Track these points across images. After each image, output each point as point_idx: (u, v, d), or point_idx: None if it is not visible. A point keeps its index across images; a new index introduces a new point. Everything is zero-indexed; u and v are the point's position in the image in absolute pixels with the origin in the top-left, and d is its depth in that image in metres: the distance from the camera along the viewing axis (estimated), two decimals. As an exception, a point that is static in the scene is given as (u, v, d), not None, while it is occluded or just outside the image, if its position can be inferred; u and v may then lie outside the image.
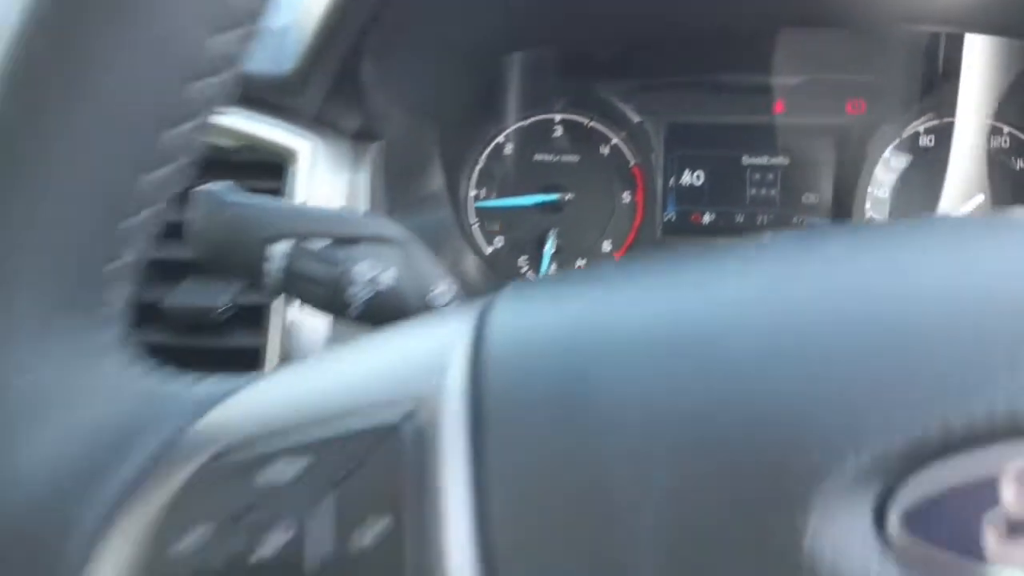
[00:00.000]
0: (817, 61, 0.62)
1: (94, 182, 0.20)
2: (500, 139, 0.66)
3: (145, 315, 0.44)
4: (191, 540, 0.19)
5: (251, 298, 0.44)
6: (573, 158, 0.65)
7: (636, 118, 0.64)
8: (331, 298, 0.32)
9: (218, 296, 0.46)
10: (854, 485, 0.16)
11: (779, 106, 0.64)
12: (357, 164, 0.49)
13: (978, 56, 0.62)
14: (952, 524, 0.16)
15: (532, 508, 0.17)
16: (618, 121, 0.65)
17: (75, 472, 0.21)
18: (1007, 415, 0.15)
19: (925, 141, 0.62)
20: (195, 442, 0.21)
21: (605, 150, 0.65)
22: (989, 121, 0.62)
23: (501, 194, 0.66)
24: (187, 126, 0.21)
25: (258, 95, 0.45)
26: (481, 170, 0.66)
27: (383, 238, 0.33)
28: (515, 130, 0.65)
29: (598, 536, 0.17)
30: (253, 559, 0.18)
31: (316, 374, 0.22)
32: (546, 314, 0.21)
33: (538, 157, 0.65)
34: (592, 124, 0.65)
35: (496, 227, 0.66)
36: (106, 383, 0.22)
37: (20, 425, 0.20)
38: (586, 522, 0.17)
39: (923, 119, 0.62)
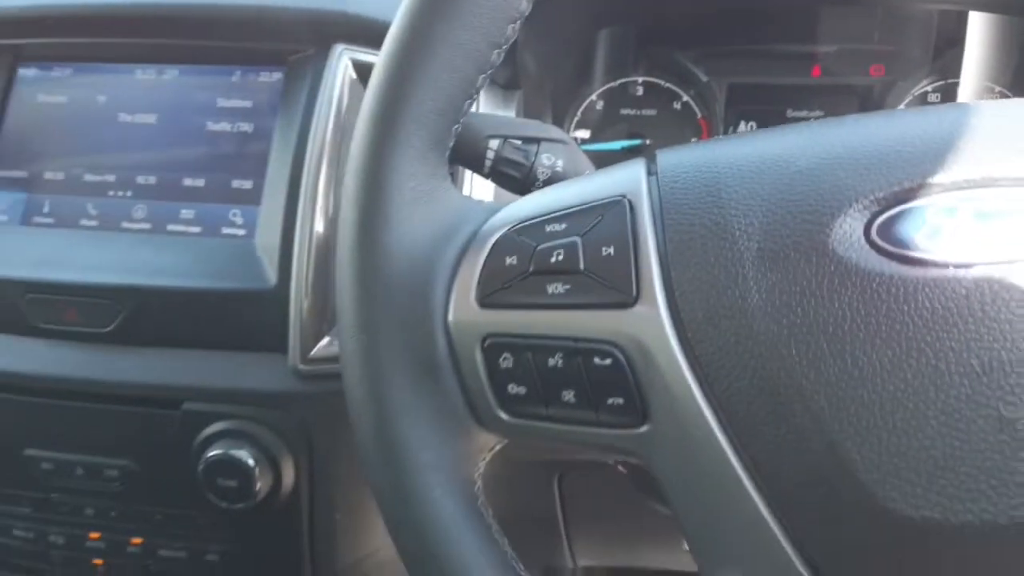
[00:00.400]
0: (848, 33, 0.79)
1: (455, 82, 0.39)
2: (593, 97, 0.83)
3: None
4: (506, 268, 0.37)
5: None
6: (652, 112, 0.83)
7: (704, 78, 0.81)
8: (523, 178, 0.50)
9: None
10: (859, 211, 0.33)
11: (816, 70, 0.81)
12: (505, 108, 0.67)
13: (979, 29, 0.78)
14: (902, 234, 0.33)
15: (687, 238, 0.35)
16: (688, 81, 0.82)
17: (432, 245, 0.38)
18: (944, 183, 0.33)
19: (933, 98, 0.78)
20: (494, 226, 0.39)
21: (677, 105, 0.82)
22: (985, 82, 0.78)
23: (594, 141, 0.84)
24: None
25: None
26: (578, 122, 0.84)
27: (555, 139, 0.51)
28: (605, 90, 0.83)
29: (721, 251, 0.34)
30: (546, 266, 0.36)
31: (560, 190, 0.40)
32: (693, 149, 0.38)
33: (623, 111, 0.83)
34: (667, 84, 0.82)
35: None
36: (443, 194, 0.40)
37: (409, 212, 0.38)
38: (715, 243, 0.34)
39: (931, 80, 0.78)
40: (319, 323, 0.58)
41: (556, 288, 0.36)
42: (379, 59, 0.39)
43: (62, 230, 0.65)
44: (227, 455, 0.58)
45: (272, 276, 0.59)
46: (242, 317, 0.59)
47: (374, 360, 0.36)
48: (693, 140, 0.86)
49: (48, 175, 0.66)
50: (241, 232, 0.62)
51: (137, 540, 0.64)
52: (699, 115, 0.84)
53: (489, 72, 0.40)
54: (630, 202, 0.36)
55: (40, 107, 0.68)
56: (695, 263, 0.34)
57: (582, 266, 0.35)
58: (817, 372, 0.32)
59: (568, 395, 0.35)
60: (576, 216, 0.37)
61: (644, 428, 0.35)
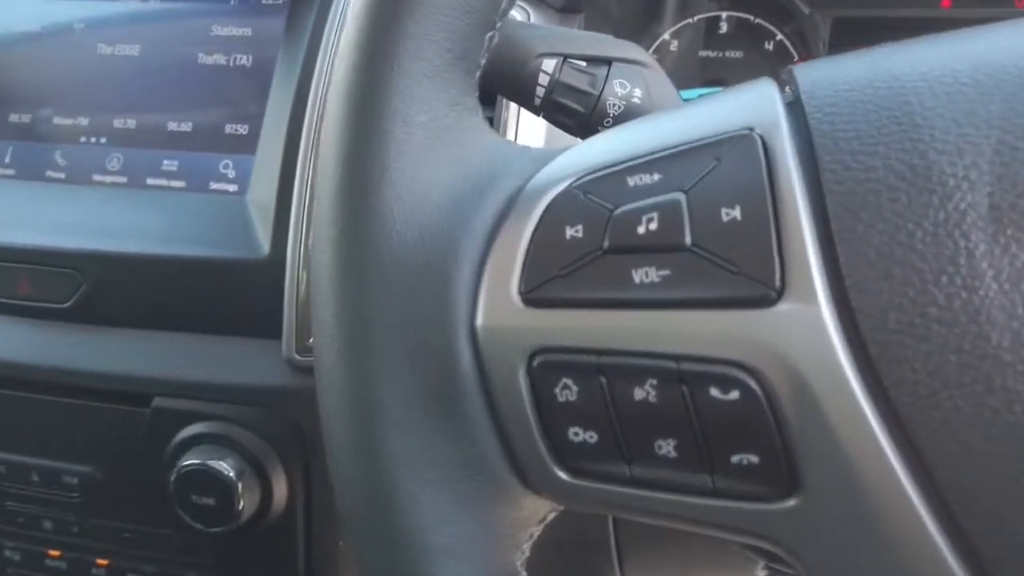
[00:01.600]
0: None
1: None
2: (666, 36, 0.69)
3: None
4: (567, 243, 0.24)
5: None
6: (737, 54, 0.69)
7: (806, 10, 0.67)
8: (589, 113, 0.37)
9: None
10: None
11: (947, 0, 0.65)
12: (561, 35, 0.54)
13: None
14: None
15: (862, 190, 0.21)
16: (783, 17, 0.67)
17: (452, 209, 0.25)
18: None
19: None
20: (547, 181, 0.26)
21: (769, 45, 0.68)
22: None
23: (665, 89, 0.70)
24: None
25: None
26: (647, 66, 0.70)
27: (632, 60, 0.38)
28: (682, 27, 0.69)
29: (928, 210, 0.21)
30: (630, 241, 0.23)
31: (648, 124, 0.27)
32: (840, 61, 0.25)
33: (703, 53, 0.69)
34: (758, 20, 0.68)
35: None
36: (471, 133, 0.27)
37: (417, 159, 0.25)
38: (916, 197, 0.21)
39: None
40: (321, 303, 0.46)
41: (646, 275, 0.22)
42: None
43: (23, 183, 0.54)
44: (204, 466, 0.46)
45: (265, 243, 0.47)
46: (228, 293, 0.47)
47: (363, 386, 0.24)
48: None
49: (12, 118, 0.55)
50: (232, 188, 0.51)
51: (103, 561, 0.53)
52: (796, 56, 0.70)
53: None
54: (762, 138, 0.23)
55: (7, 39, 0.56)
56: (879, 231, 0.21)
57: (689, 239, 0.22)
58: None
59: (666, 447, 0.22)
60: (675, 161, 0.24)
61: (791, 502, 0.22)
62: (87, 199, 0.52)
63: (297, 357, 0.46)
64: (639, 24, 0.70)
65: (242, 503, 0.46)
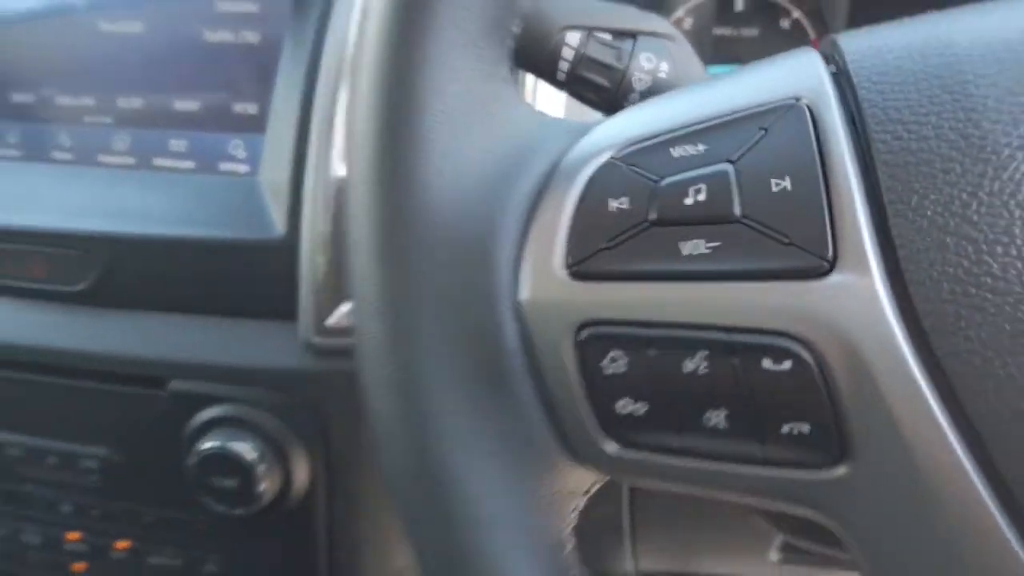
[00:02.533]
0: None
1: None
2: (680, 13, 0.69)
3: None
4: (612, 215, 0.23)
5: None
6: (752, 31, 0.68)
7: (824, -13, 0.66)
8: (614, 88, 0.36)
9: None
10: None
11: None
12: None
13: None
14: None
15: (914, 160, 0.21)
16: (800, -7, 0.67)
17: (492, 181, 0.25)
18: None
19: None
20: (586, 153, 0.25)
21: (786, 24, 0.67)
22: None
23: (678, 67, 0.69)
24: None
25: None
26: (660, 43, 0.69)
27: (658, 33, 0.37)
28: (696, 5, 0.68)
29: (983, 180, 0.20)
30: (678, 212, 0.23)
31: (686, 96, 0.26)
32: (886, 30, 0.24)
33: (717, 31, 0.68)
34: (773, -2, 0.67)
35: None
36: (506, 104, 0.26)
37: (454, 130, 0.25)
38: (970, 167, 0.20)
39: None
40: (337, 283, 0.45)
41: (696, 247, 0.22)
42: None
43: (28, 164, 0.53)
44: (224, 448, 0.46)
45: (280, 223, 0.46)
46: (243, 275, 0.47)
47: (407, 361, 0.24)
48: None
49: (15, 98, 0.54)
50: (243, 168, 0.50)
51: (123, 544, 0.53)
52: (812, 35, 0.69)
53: None
54: (809, 108, 0.23)
55: (7, 17, 0.56)
56: (933, 201, 0.20)
57: (738, 210, 0.22)
58: None
59: (716, 418, 0.22)
60: (720, 132, 0.23)
61: (841, 470, 0.21)
62: (96, 180, 0.51)
63: (315, 339, 0.45)
64: (653, 1, 0.68)
65: (263, 485, 0.46)
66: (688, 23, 0.69)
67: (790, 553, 0.62)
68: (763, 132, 0.22)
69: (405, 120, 0.24)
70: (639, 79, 0.36)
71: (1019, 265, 0.19)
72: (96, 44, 0.53)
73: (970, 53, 0.22)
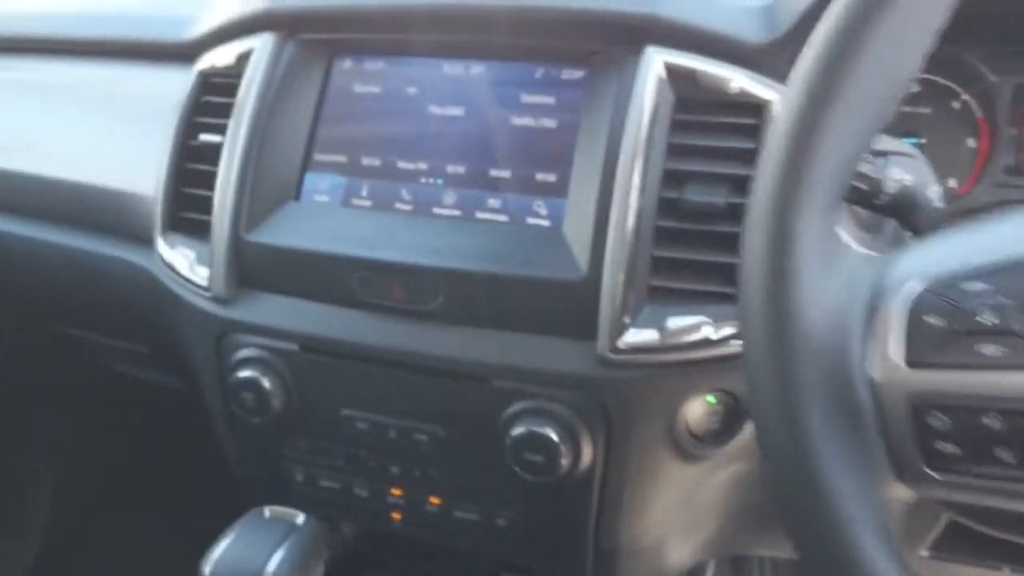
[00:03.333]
0: None
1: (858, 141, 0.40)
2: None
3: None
4: (932, 329, 0.37)
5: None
6: (926, 110, 0.81)
7: (992, 78, 0.78)
8: (871, 191, 0.51)
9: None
10: None
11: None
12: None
13: None
14: None
15: None
16: (970, 80, 0.79)
17: (841, 300, 0.39)
18: None
19: None
20: (898, 280, 0.39)
21: (956, 104, 0.80)
22: None
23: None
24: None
25: (745, 55, 0.64)
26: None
27: (903, 153, 0.52)
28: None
29: None
30: (975, 328, 0.37)
31: (970, 237, 0.40)
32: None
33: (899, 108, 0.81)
34: (945, 82, 0.80)
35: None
36: (840, 250, 0.41)
37: (815, 266, 0.39)
38: None
39: None
40: (626, 314, 0.61)
41: (991, 350, 0.36)
42: (787, 100, 0.40)
43: (379, 212, 0.70)
44: (534, 432, 0.62)
45: (583, 266, 0.62)
46: (551, 303, 0.63)
47: (796, 418, 0.38)
48: (970, 143, 0.84)
49: (365, 161, 0.72)
50: (545, 223, 0.66)
51: (436, 500, 0.70)
52: (978, 115, 0.81)
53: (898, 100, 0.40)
54: None
55: (356, 97, 0.73)
56: None
57: (1018, 328, 0.36)
58: None
59: (1005, 455, 0.36)
60: (1003, 275, 0.37)
61: None
62: (433, 227, 0.68)
63: (609, 355, 0.61)
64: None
65: (563, 460, 0.62)
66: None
67: (939, 551, 0.73)
68: None
69: (786, 262, 0.38)
70: (891, 185, 0.50)
71: None
72: (428, 122, 0.71)
73: None
